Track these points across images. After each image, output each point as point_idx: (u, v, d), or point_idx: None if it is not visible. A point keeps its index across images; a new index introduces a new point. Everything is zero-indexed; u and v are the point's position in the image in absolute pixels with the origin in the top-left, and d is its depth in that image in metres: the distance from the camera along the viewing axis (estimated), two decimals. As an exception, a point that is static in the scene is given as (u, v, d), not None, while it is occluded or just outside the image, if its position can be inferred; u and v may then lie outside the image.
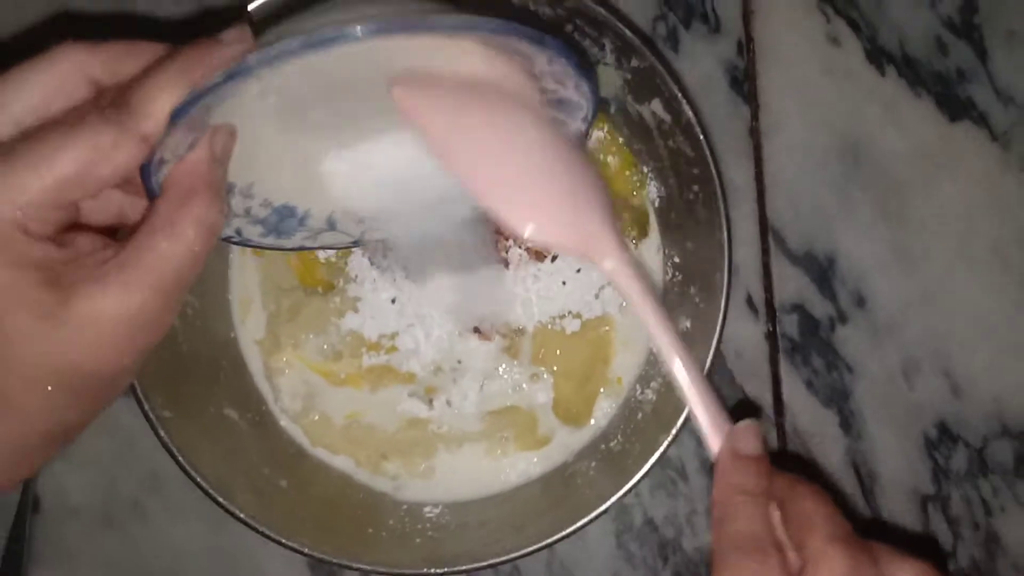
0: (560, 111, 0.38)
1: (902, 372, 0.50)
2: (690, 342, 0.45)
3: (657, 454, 0.42)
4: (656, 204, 0.49)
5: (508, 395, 0.48)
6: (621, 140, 0.49)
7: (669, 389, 0.45)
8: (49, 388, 0.30)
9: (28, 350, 0.29)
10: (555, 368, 0.48)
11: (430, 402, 0.48)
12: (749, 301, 0.50)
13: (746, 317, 0.50)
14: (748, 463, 0.33)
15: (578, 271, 0.48)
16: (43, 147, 0.29)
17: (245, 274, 0.49)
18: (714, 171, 0.42)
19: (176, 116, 0.29)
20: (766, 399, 0.50)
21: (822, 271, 0.50)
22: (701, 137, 0.42)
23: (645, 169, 0.48)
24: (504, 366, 0.48)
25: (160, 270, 0.29)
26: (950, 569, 0.49)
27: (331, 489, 0.47)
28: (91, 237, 0.31)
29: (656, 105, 0.44)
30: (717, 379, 0.50)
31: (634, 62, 0.43)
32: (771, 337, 0.50)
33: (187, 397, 0.45)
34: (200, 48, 0.30)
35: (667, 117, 0.44)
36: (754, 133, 0.51)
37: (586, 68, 0.35)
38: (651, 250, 0.49)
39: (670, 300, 0.48)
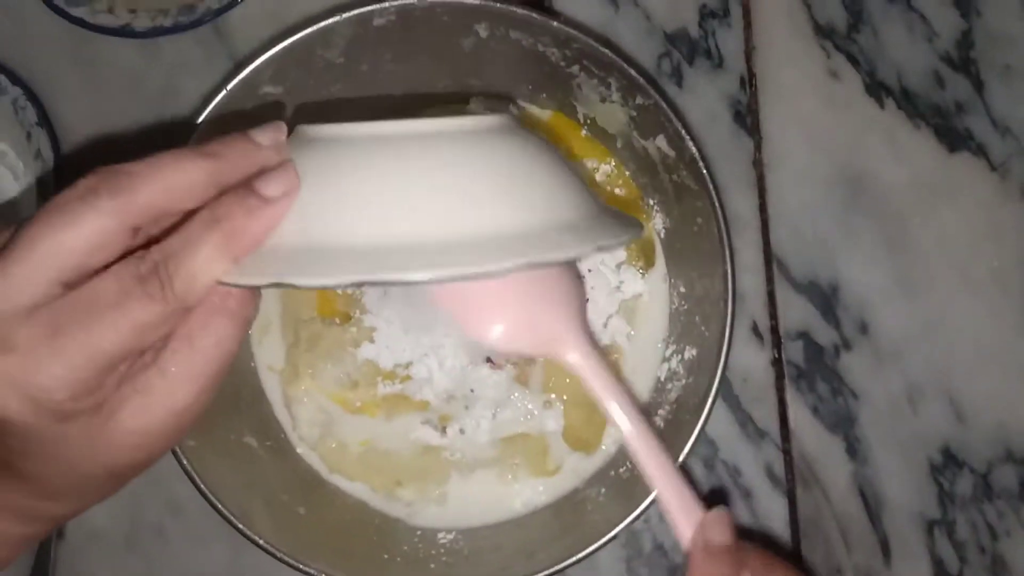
0: None
1: (906, 398, 0.51)
2: (696, 369, 0.46)
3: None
4: (662, 235, 0.50)
5: (519, 422, 0.49)
6: (628, 174, 0.50)
7: (676, 416, 0.47)
8: (100, 481, 0.32)
9: (82, 459, 0.31)
10: (565, 396, 0.49)
11: (443, 430, 0.49)
12: (755, 328, 0.52)
13: (752, 344, 0.51)
14: (720, 552, 0.34)
15: (586, 300, 0.49)
16: (91, 328, 0.29)
17: (265, 305, 0.50)
18: (717, 204, 0.43)
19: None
20: (773, 424, 0.51)
21: (826, 299, 0.51)
22: (704, 171, 0.43)
23: (651, 201, 0.50)
24: (516, 394, 0.49)
25: (200, 370, 0.30)
26: (957, 593, 0.50)
27: (347, 515, 0.49)
28: None
29: (661, 141, 0.45)
30: (724, 405, 0.51)
31: (639, 100, 0.45)
32: (777, 364, 0.51)
33: (209, 426, 0.46)
34: (241, 208, 0.30)
35: (671, 152, 0.45)
36: (757, 164, 0.53)
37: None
38: (657, 280, 0.50)
39: (676, 328, 0.49)
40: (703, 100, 0.53)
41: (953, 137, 0.52)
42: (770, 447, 0.51)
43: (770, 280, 0.52)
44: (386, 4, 0.44)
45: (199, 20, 0.51)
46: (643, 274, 0.50)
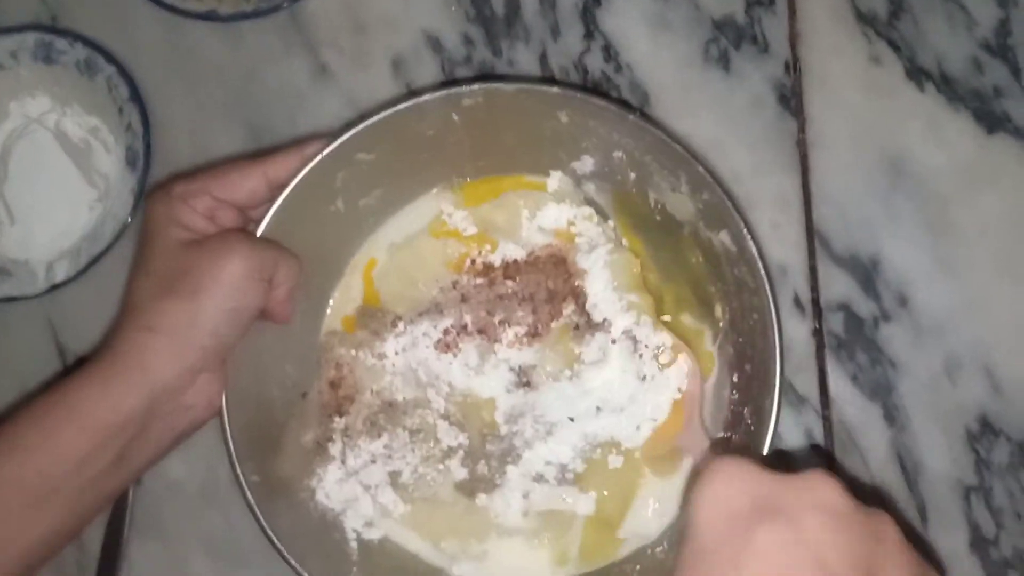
0: None
1: (944, 369, 0.53)
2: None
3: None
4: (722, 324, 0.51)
5: (555, 501, 0.50)
6: (692, 260, 0.51)
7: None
8: (223, 317, 0.44)
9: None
10: (596, 490, 0.50)
11: (485, 494, 0.50)
12: (796, 301, 0.54)
13: (794, 316, 0.54)
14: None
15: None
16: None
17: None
18: (772, 307, 0.45)
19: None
20: (813, 392, 0.53)
21: (866, 273, 0.54)
22: (763, 272, 0.44)
23: (712, 289, 0.50)
24: (551, 478, 0.50)
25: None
26: (993, 557, 0.51)
27: (396, 562, 0.50)
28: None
29: (724, 236, 0.47)
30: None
31: (705, 195, 0.46)
32: (817, 334, 0.54)
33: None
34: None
35: (733, 248, 0.46)
36: (801, 145, 0.55)
37: None
38: (708, 343, 0.51)
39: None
40: (749, 84, 0.56)
41: (991, 120, 0.54)
42: (810, 413, 0.53)
43: (812, 255, 0.54)
44: (475, 87, 0.46)
45: (278, 5, 0.55)
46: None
